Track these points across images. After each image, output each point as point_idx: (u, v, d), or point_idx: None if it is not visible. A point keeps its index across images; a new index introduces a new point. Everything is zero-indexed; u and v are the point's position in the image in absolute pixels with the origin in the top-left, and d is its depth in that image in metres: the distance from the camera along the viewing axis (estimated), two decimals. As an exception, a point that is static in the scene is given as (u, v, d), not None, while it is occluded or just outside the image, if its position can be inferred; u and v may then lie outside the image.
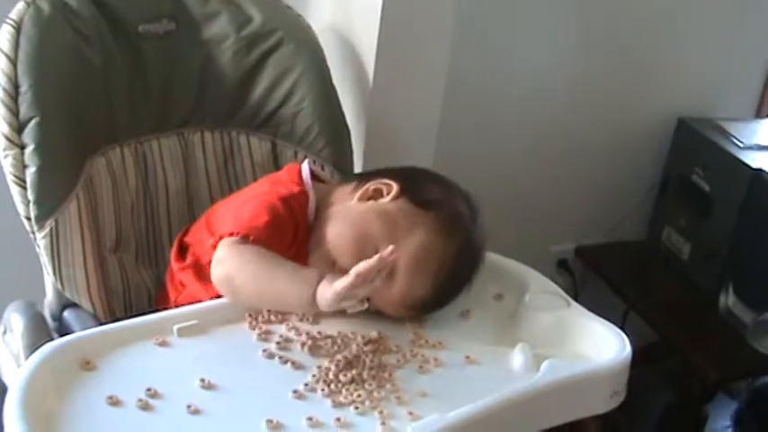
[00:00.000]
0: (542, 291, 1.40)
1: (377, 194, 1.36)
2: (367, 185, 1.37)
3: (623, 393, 1.26)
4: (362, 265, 1.17)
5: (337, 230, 1.33)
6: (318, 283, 1.21)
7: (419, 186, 1.36)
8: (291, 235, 1.33)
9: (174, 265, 1.43)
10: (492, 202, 2.17)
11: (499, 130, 2.21)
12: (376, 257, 1.17)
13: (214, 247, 1.29)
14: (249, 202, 1.34)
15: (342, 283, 1.18)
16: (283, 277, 1.23)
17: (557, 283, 2.07)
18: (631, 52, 2.28)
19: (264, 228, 1.28)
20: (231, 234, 1.27)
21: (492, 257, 1.43)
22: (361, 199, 1.36)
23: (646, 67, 2.32)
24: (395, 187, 1.35)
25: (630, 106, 2.35)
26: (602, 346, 1.28)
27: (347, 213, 1.35)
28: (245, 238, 1.27)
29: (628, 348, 1.26)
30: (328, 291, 1.19)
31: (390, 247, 1.19)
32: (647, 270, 2.44)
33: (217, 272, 1.26)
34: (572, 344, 1.31)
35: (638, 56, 2.29)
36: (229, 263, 1.25)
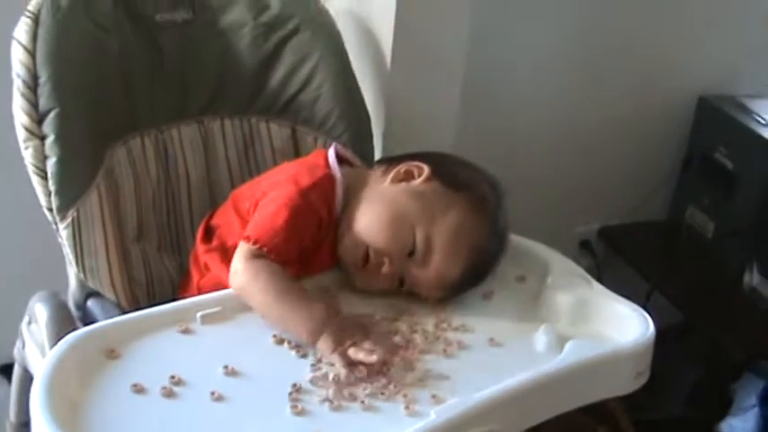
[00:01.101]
0: (565, 272, 1.40)
1: (408, 176, 1.37)
2: (398, 167, 1.38)
3: (647, 374, 1.27)
4: (362, 357, 1.17)
5: (371, 213, 1.34)
6: (319, 336, 1.20)
7: (449, 168, 1.38)
8: (315, 228, 1.34)
9: (200, 247, 1.44)
10: (514, 184, 2.17)
11: (518, 113, 2.20)
12: (373, 358, 1.16)
13: (196, 258, 1.34)
14: (271, 195, 1.34)
15: (337, 364, 1.17)
16: (288, 316, 1.23)
17: (579, 264, 2.06)
18: (649, 31, 2.26)
19: (280, 232, 1.29)
20: (249, 239, 1.28)
21: (514, 239, 1.44)
22: (393, 181, 1.37)
23: (664, 46, 2.30)
24: (426, 169, 1.36)
25: (650, 86, 2.34)
26: (625, 326, 1.28)
27: (380, 195, 1.36)
28: (260, 250, 1.27)
29: (651, 329, 1.27)
30: (328, 354, 1.19)
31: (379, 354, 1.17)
32: (670, 250, 2.42)
33: (233, 283, 1.28)
34: (595, 324, 1.31)
35: (655, 35, 2.27)
36: (244, 280, 1.27)
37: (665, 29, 2.28)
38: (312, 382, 1.15)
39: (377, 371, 1.17)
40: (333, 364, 1.18)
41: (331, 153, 1.43)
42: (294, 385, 1.13)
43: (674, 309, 2.23)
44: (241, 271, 1.27)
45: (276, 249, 1.28)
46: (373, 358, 1.16)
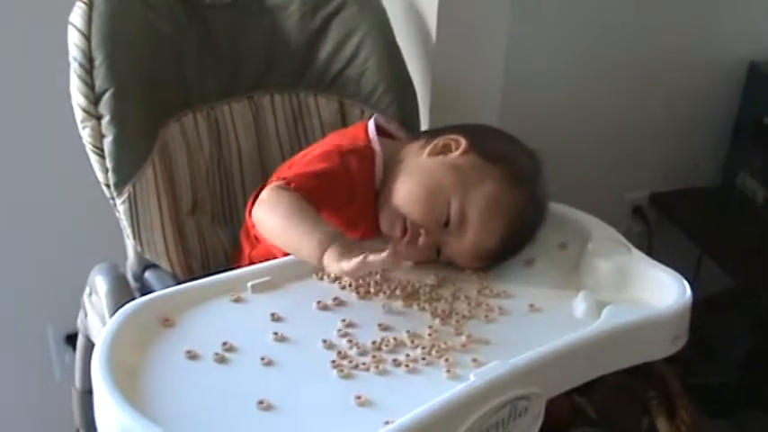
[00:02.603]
0: (605, 239, 1.41)
1: (446, 149, 1.39)
2: (436, 141, 1.40)
3: (685, 338, 1.28)
4: (371, 258, 1.18)
5: (408, 185, 1.37)
6: (327, 247, 1.23)
7: (486, 141, 1.40)
8: (345, 190, 1.36)
9: (249, 220, 1.46)
10: (564, 152, 2.19)
11: (568, 79, 2.21)
12: (385, 255, 1.18)
13: (248, 230, 1.36)
14: (310, 154, 1.39)
15: (347, 265, 1.19)
16: (300, 231, 1.26)
17: (631, 230, 2.08)
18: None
19: (311, 176, 1.33)
20: (280, 179, 1.32)
21: (556, 207, 1.47)
22: (430, 154, 1.39)
23: (715, 10, 2.29)
24: (463, 142, 1.38)
25: (701, 51, 2.33)
26: (663, 291, 1.30)
27: (417, 168, 1.38)
28: (287, 184, 1.31)
29: (688, 293, 1.28)
30: (333, 263, 1.22)
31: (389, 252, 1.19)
32: (722, 216, 2.42)
33: (255, 212, 1.32)
34: (633, 290, 1.33)
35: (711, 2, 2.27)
36: (264, 206, 1.30)
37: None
38: (362, 346, 1.18)
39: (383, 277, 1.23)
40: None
41: (371, 125, 1.45)
42: (339, 351, 1.17)
43: (726, 274, 2.24)
44: (264, 198, 1.31)
45: (303, 189, 1.31)
46: (383, 255, 1.17)
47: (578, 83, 2.23)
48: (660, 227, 2.44)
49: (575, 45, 2.19)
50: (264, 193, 1.32)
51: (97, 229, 1.68)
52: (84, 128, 1.41)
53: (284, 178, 1.32)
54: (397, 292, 1.29)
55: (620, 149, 2.36)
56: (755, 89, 2.33)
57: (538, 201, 1.40)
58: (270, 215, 1.30)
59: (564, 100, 2.22)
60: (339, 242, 1.23)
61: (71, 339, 2.01)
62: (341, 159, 1.36)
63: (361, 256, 1.19)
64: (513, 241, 1.37)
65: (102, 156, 1.40)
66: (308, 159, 1.37)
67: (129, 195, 1.41)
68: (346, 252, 1.22)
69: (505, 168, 1.36)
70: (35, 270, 1.98)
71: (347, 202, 1.37)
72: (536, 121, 2.12)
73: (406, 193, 1.36)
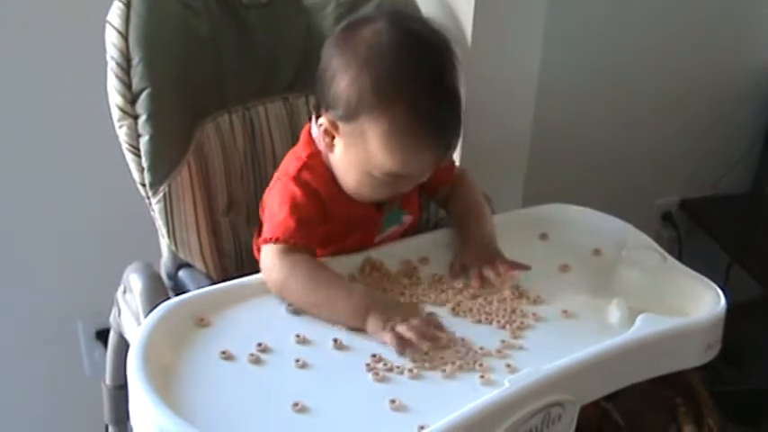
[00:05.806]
0: (639, 246, 1.41)
1: (328, 136, 1.33)
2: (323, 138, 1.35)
3: (718, 346, 1.28)
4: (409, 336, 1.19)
5: (343, 182, 1.35)
6: (367, 315, 1.22)
7: (338, 102, 1.30)
8: (320, 202, 1.34)
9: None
10: (597, 157, 2.19)
11: (602, 85, 2.21)
12: (424, 347, 1.18)
13: (259, 248, 1.34)
14: (274, 191, 1.36)
15: (390, 340, 1.19)
16: (332, 307, 1.24)
17: (661, 236, 2.06)
18: (732, 4, 2.26)
19: (293, 222, 1.30)
20: (271, 239, 1.30)
21: (591, 213, 1.48)
22: (330, 150, 1.35)
23: (747, 18, 2.29)
24: (326, 123, 1.32)
25: (733, 59, 2.34)
26: (697, 300, 1.30)
27: (335, 166, 1.35)
28: (289, 245, 1.29)
29: (722, 302, 1.28)
30: (378, 332, 1.21)
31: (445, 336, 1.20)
32: (751, 223, 2.42)
33: (270, 281, 1.29)
34: (667, 298, 1.32)
35: (738, 6, 2.27)
36: (281, 278, 1.28)
37: (747, 3, 2.28)
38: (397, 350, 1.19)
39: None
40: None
41: (313, 128, 1.39)
42: (374, 355, 1.17)
43: (755, 282, 2.23)
44: (277, 269, 1.28)
45: (301, 238, 1.30)
46: (424, 347, 1.17)
47: (610, 91, 2.24)
48: (690, 233, 2.44)
49: (607, 54, 2.19)
50: (270, 261, 1.29)
51: (130, 226, 1.69)
52: (120, 127, 1.41)
53: (277, 239, 1.30)
54: (431, 297, 1.30)
55: (650, 156, 2.37)
56: (788, 96, 2.33)
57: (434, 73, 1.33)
58: (292, 289, 1.27)
59: (596, 108, 2.22)
60: (374, 309, 1.22)
61: (101, 335, 2.02)
62: (297, 183, 1.34)
63: (398, 334, 1.19)
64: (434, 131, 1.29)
65: (137, 155, 1.41)
66: (277, 206, 1.33)
67: (164, 195, 1.42)
68: (385, 318, 1.21)
69: (367, 112, 1.27)
70: (67, 266, 1.99)
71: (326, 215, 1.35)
72: (568, 128, 2.13)
73: (349, 188, 1.34)
